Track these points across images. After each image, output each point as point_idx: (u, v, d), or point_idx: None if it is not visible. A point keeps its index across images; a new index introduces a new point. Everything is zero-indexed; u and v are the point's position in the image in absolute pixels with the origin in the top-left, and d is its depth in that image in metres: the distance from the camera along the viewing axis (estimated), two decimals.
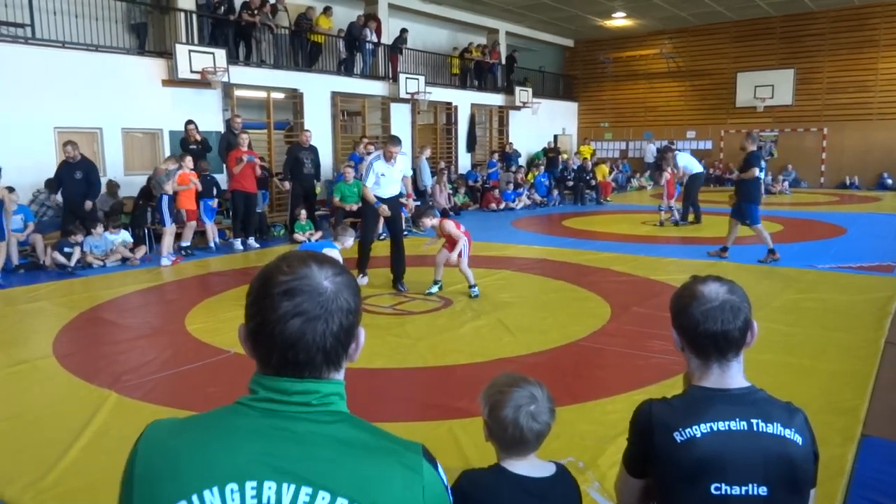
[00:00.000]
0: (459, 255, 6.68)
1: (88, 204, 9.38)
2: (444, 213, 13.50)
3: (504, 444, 1.71)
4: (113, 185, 10.77)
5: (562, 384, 4.24)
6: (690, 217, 12.43)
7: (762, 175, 8.69)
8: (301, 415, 1.05)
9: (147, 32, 12.30)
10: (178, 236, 9.66)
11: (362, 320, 1.14)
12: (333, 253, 6.68)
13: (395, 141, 7.61)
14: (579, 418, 3.68)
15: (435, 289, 6.94)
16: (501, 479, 1.66)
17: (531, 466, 1.70)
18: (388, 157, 7.44)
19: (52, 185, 9.51)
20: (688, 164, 12.61)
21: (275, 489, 0.99)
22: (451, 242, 6.81)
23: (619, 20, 21.14)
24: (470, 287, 6.77)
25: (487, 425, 1.73)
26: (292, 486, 0.99)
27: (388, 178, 7.53)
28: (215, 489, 0.99)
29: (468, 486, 1.65)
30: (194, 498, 0.99)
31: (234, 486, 0.99)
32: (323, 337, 1.06)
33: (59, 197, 9.33)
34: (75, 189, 9.18)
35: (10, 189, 8.24)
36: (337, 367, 1.11)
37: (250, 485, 0.99)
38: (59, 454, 3.33)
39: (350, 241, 6.87)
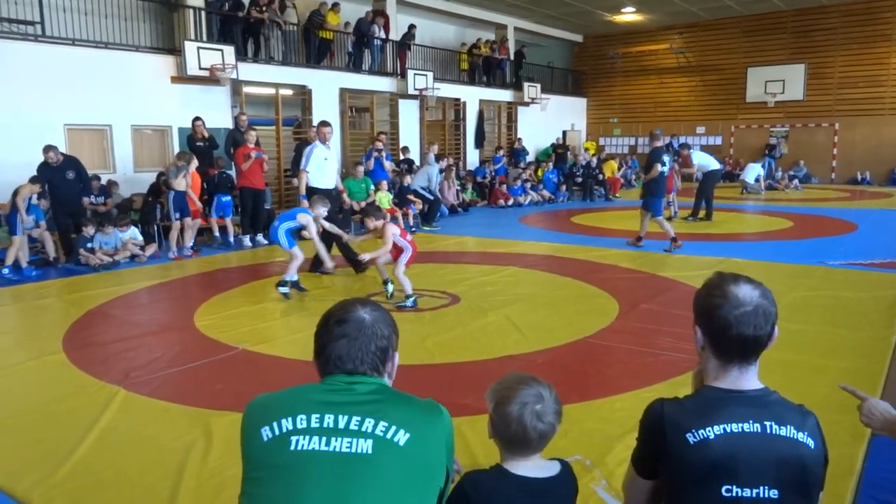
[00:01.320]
0: (396, 260, 6.26)
1: (87, 200, 9.37)
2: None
3: (506, 442, 1.69)
4: (111, 184, 10.76)
5: (569, 381, 4.23)
6: (701, 213, 12.35)
7: (666, 170, 9.46)
8: (354, 386, 1.54)
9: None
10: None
11: None
12: (306, 218, 6.71)
13: (326, 122, 7.78)
14: (587, 416, 3.67)
15: (391, 287, 6.54)
16: (503, 481, 1.64)
17: (534, 467, 1.68)
18: (324, 139, 7.53)
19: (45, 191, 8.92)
20: (703, 161, 12.50)
21: (332, 418, 1.47)
22: (396, 248, 6.28)
23: (629, 15, 21.03)
24: (406, 297, 6.17)
25: (492, 421, 1.72)
26: (345, 416, 1.47)
27: (330, 162, 7.59)
28: (289, 418, 1.48)
29: (470, 488, 1.63)
30: (274, 424, 1.48)
31: (303, 416, 1.48)
32: (361, 352, 1.55)
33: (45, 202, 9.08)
34: (70, 189, 9.01)
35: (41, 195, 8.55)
36: (379, 375, 1.59)
37: (314, 416, 1.47)
38: (69, 450, 3.35)
39: (323, 210, 6.80)
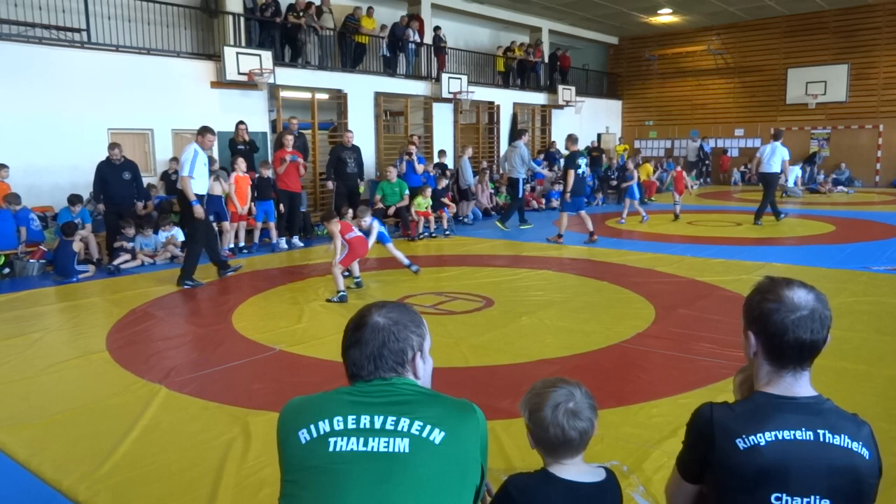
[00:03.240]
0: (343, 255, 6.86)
1: (140, 206, 9.61)
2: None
3: (549, 447, 1.67)
4: (150, 187, 10.99)
5: (605, 386, 4.19)
6: (770, 218, 11.87)
7: (581, 172, 10.26)
8: (384, 388, 1.55)
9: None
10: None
11: None
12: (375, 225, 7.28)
13: (211, 129, 7.64)
14: (623, 421, 3.63)
15: (352, 284, 7.19)
16: (549, 485, 1.63)
17: (579, 472, 1.66)
18: (206, 146, 7.49)
19: (96, 190, 9.26)
20: (771, 157, 11.70)
21: (369, 419, 1.49)
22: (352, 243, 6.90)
23: (665, 16, 20.78)
24: (336, 292, 6.70)
25: (530, 430, 1.70)
26: (381, 417, 1.48)
27: (207, 168, 7.54)
28: (326, 420, 1.50)
29: (515, 491, 1.61)
30: (311, 426, 1.50)
31: (339, 418, 1.50)
32: (374, 357, 1.56)
33: (101, 206, 9.38)
34: (123, 190, 9.25)
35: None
36: (399, 375, 1.58)
37: (351, 417, 1.49)
38: (113, 446, 3.43)
39: (368, 218, 7.35)
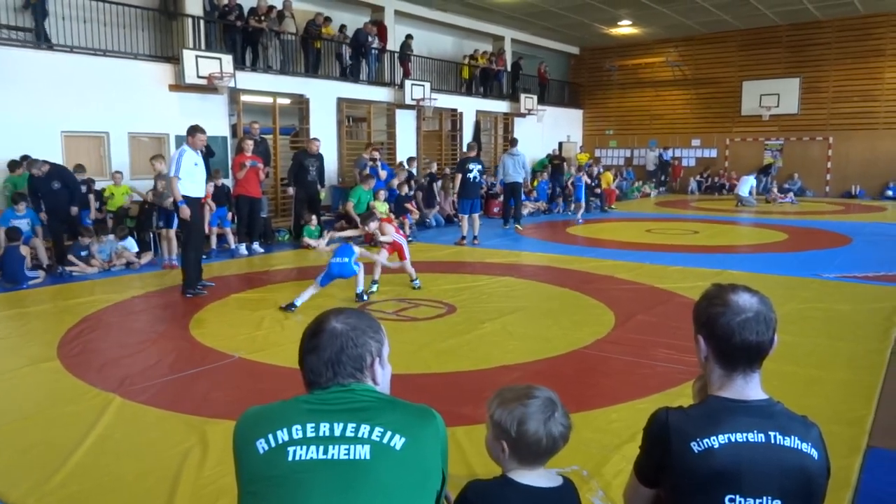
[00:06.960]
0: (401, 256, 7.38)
1: (74, 210, 9.30)
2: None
3: (532, 457, 1.64)
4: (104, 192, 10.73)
5: (566, 392, 4.17)
6: None
7: (472, 177, 10.84)
8: (343, 394, 1.53)
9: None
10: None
11: None
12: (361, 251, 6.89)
13: (200, 128, 7.29)
14: (583, 426, 3.66)
15: (374, 287, 7.18)
16: (509, 490, 1.62)
17: (538, 477, 1.66)
18: (196, 146, 7.24)
19: (35, 204, 9.01)
20: None
21: (328, 426, 1.46)
22: (395, 247, 7.36)
23: (625, 28, 21.18)
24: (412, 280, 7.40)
25: (513, 443, 1.63)
26: (341, 424, 1.46)
27: (199, 168, 7.27)
28: (284, 429, 1.46)
29: (474, 496, 1.61)
30: (269, 436, 1.46)
31: (298, 426, 1.47)
32: (332, 364, 1.54)
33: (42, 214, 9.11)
34: (57, 198, 8.96)
35: None
36: (358, 381, 1.56)
37: (310, 425, 1.46)
38: (64, 457, 3.33)
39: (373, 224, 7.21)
